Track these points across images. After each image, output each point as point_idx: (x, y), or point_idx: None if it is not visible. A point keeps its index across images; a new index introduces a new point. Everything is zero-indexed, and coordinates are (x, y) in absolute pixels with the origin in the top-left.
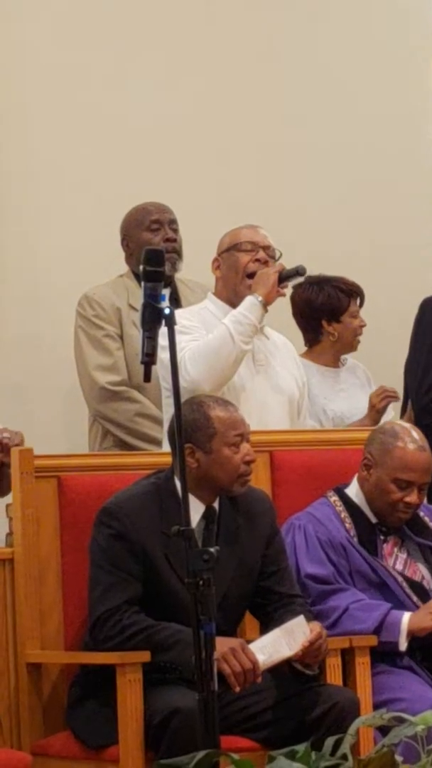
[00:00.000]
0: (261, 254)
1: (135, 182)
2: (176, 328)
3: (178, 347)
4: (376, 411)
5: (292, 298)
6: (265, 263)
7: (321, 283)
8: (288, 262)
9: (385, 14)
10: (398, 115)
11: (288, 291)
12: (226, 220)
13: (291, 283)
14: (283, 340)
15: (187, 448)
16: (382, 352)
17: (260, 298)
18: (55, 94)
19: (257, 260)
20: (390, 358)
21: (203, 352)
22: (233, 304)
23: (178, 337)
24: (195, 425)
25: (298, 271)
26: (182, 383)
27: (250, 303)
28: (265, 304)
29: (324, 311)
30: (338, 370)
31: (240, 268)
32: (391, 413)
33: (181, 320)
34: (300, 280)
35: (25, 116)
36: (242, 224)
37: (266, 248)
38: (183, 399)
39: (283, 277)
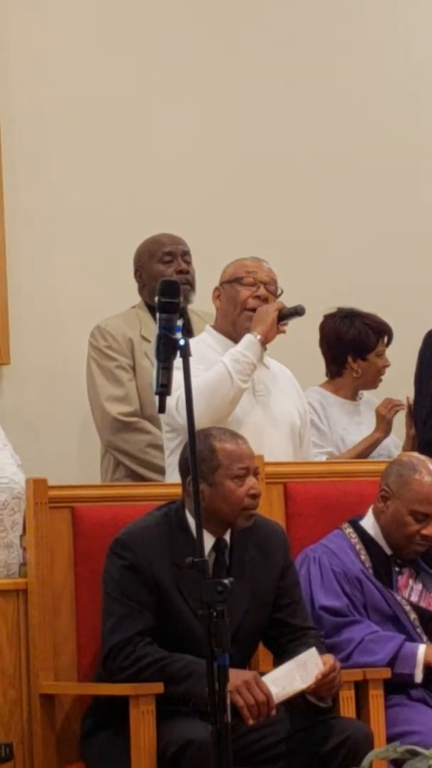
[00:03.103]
0: (262, 291)
1: (149, 213)
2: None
3: (174, 384)
4: (386, 422)
5: (321, 328)
6: (265, 300)
7: (352, 317)
8: (311, 295)
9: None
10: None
11: (309, 325)
12: (240, 252)
13: (290, 321)
14: (282, 368)
15: (191, 479)
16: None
17: (259, 336)
18: (72, 130)
19: (257, 296)
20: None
21: (201, 390)
22: (231, 336)
23: (174, 374)
24: (200, 457)
25: (297, 311)
26: (180, 421)
27: (249, 341)
28: (264, 342)
29: (351, 347)
30: (357, 403)
31: (239, 302)
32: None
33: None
34: (299, 317)
35: (42, 150)
36: (248, 256)
37: (268, 284)
38: (181, 438)
39: (283, 316)
